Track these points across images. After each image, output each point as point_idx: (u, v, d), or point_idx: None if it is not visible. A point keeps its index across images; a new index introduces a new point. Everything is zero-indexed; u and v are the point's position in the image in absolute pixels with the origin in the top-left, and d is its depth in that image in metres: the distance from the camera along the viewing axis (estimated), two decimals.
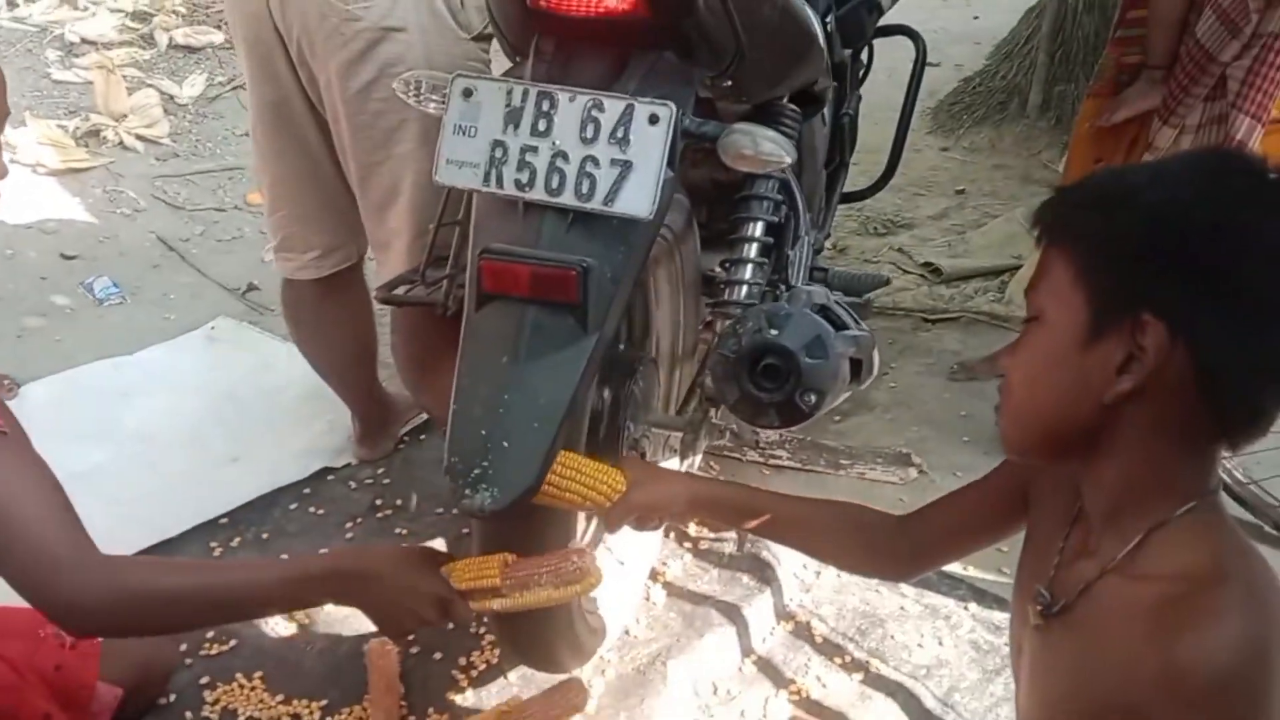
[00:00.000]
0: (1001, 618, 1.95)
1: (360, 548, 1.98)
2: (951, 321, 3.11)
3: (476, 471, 1.14)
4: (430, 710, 1.69)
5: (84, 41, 4.55)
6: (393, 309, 1.90)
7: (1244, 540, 0.93)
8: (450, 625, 1.40)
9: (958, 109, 4.73)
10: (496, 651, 1.78)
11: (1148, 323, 0.86)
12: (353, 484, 2.26)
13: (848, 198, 2.47)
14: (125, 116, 3.95)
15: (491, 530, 1.30)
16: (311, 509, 2.17)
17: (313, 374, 2.51)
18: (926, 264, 3.46)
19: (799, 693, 1.78)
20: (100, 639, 1.57)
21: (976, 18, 6.09)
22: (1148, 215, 0.88)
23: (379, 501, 2.21)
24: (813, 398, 1.26)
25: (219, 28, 4.73)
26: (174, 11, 4.88)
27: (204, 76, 4.47)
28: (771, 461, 2.42)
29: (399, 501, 2.21)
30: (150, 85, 4.28)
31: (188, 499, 2.13)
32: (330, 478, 2.28)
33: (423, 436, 2.43)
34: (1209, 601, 0.84)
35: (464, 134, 1.17)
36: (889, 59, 2.59)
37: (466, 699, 1.71)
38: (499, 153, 1.16)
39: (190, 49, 4.68)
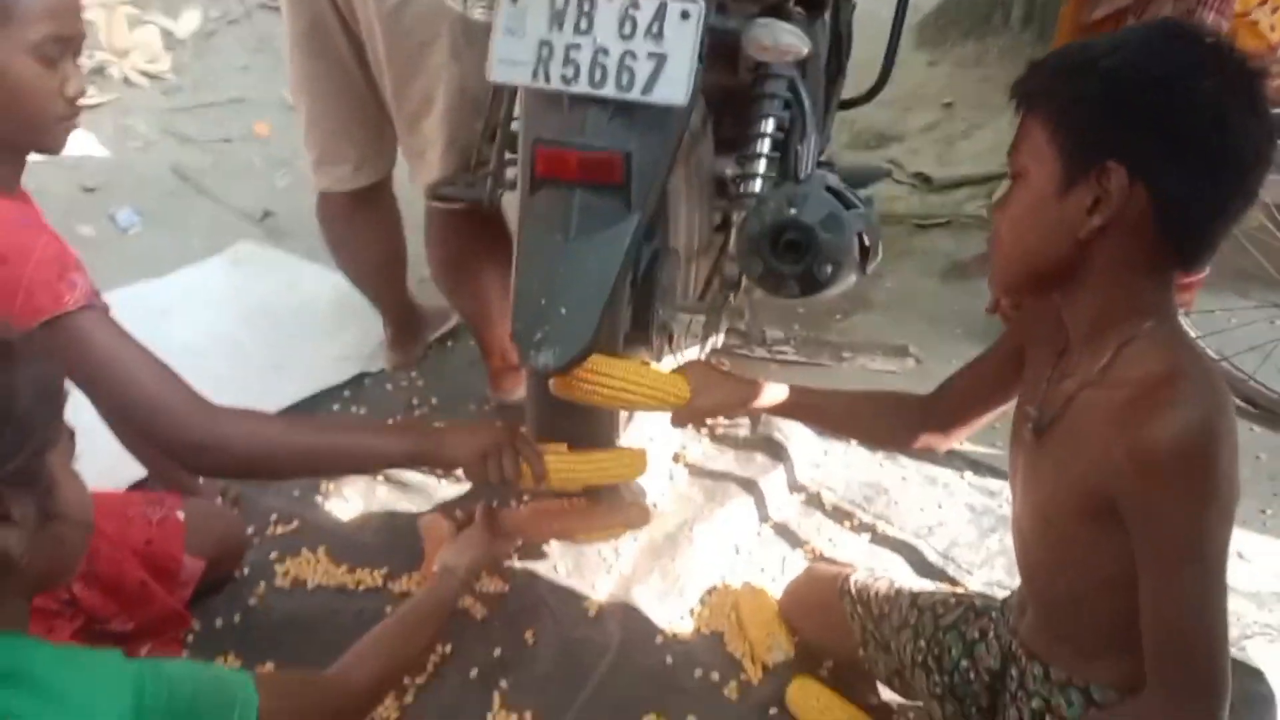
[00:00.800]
0: (996, 484, 2.15)
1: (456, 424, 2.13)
2: (942, 226, 3.27)
3: (539, 335, 1.30)
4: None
5: None
6: (427, 216, 2.04)
7: (1199, 350, 1.11)
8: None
9: (944, 23, 4.82)
10: None
11: (1110, 169, 1.03)
12: (389, 386, 2.42)
13: (844, 105, 2.60)
14: (128, 53, 4.02)
15: (546, 409, 1.46)
16: (354, 409, 2.33)
17: (338, 290, 2.67)
18: (917, 173, 3.61)
19: (812, 551, 1.97)
20: (182, 519, 1.74)
21: None
22: (1107, 78, 1.04)
23: (415, 401, 2.37)
24: (829, 269, 1.42)
25: None
26: None
27: (199, 11, 4.52)
28: (779, 357, 2.58)
29: (434, 401, 2.37)
30: (148, 21, 4.33)
31: (238, 403, 2.27)
32: (367, 381, 2.44)
33: (450, 343, 2.59)
34: (1168, 394, 1.02)
35: (513, 35, 1.31)
36: None
37: (515, 566, 1.89)
38: (545, 51, 1.30)
39: None
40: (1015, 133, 1.14)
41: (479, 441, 1.47)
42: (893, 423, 1.55)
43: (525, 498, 1.98)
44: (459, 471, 1.56)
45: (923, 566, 1.94)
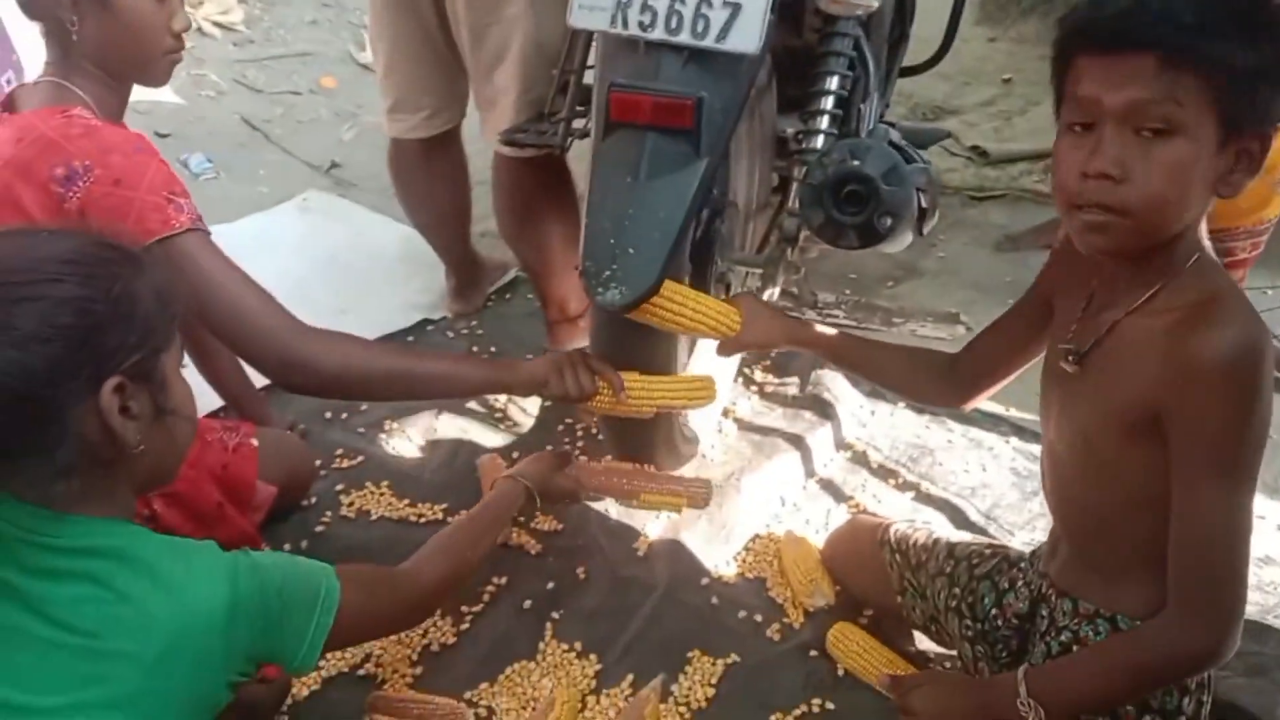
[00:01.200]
0: (1039, 449, 2.17)
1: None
2: (997, 199, 3.28)
3: (607, 274, 1.35)
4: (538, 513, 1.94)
5: None
6: (495, 165, 2.10)
7: (1228, 277, 1.14)
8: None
9: (1005, 0, 4.78)
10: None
11: (1266, 136, 1.03)
12: (450, 333, 2.50)
13: (906, 71, 2.61)
14: (202, 3, 4.12)
15: (613, 328, 1.51)
16: None
17: (403, 239, 2.75)
18: (974, 147, 3.60)
19: (857, 506, 2.02)
20: (256, 446, 1.82)
21: None
22: None
23: (474, 348, 2.44)
24: (889, 221, 1.46)
25: None
26: None
27: None
28: (829, 320, 2.61)
29: (492, 349, 2.44)
30: None
31: None
32: (430, 328, 2.52)
33: (508, 296, 2.66)
34: (1214, 312, 1.06)
35: None
36: None
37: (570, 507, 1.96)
38: None
39: None
40: (1156, 85, 1.01)
41: (554, 359, 1.53)
42: (927, 377, 1.58)
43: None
44: (525, 408, 1.62)
45: (964, 525, 1.98)
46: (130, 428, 1.00)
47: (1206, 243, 1.16)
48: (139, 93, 1.63)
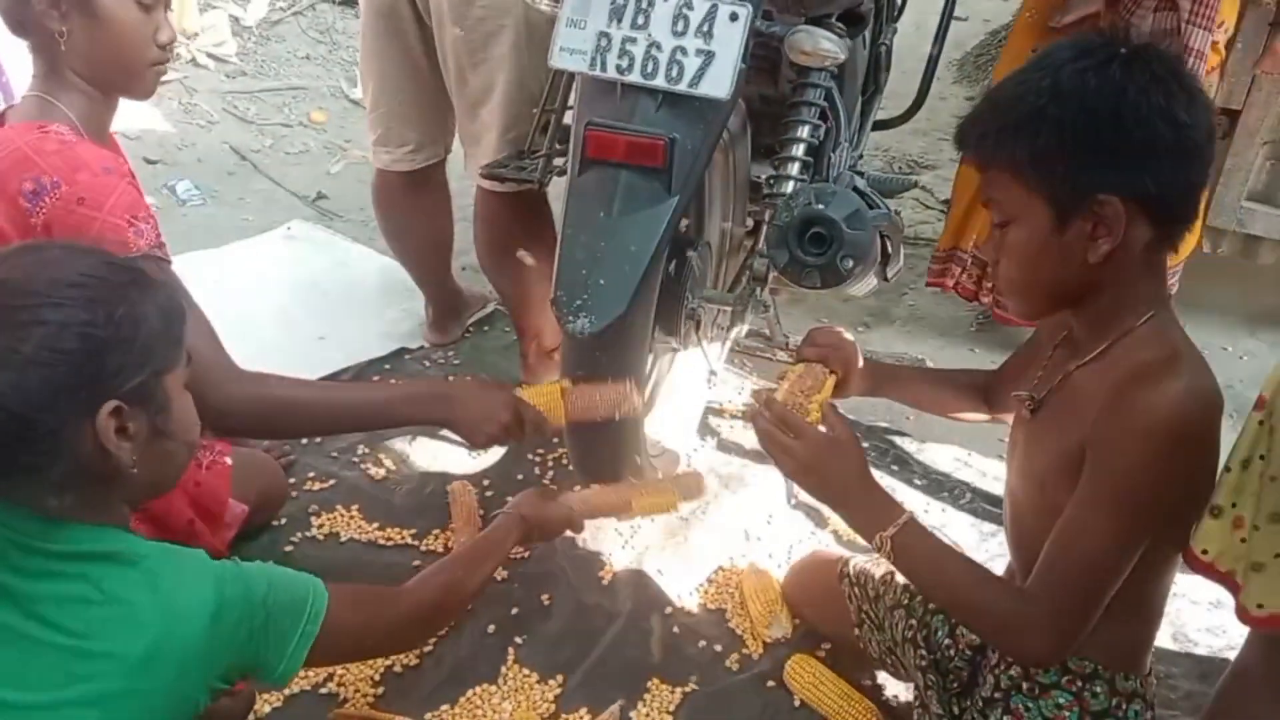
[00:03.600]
0: (999, 491, 2.23)
1: (451, 380, 2.23)
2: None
3: (578, 303, 1.41)
4: None
5: None
6: (477, 199, 2.16)
7: (1188, 339, 1.21)
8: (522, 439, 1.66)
9: (983, 60, 4.92)
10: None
11: (1104, 202, 1.13)
12: (427, 363, 2.54)
13: (879, 125, 2.70)
14: (196, 35, 4.19)
15: (582, 355, 1.56)
16: (393, 381, 2.45)
17: (384, 270, 2.80)
18: (946, 201, 3.70)
19: (819, 541, 2.06)
20: (230, 464, 1.85)
21: None
22: (1062, 127, 1.12)
23: (450, 379, 2.48)
24: (850, 262, 1.52)
25: None
26: None
27: (266, 1, 4.69)
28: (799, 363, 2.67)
29: (468, 379, 2.48)
30: (217, 7, 4.51)
31: (285, 369, 2.37)
32: (407, 357, 2.55)
33: (486, 328, 2.70)
34: (1163, 368, 1.14)
35: (575, 26, 1.42)
36: (918, 13, 2.80)
37: None
38: (604, 42, 1.42)
39: None
40: (983, 183, 1.24)
41: (486, 418, 1.56)
42: (968, 394, 1.62)
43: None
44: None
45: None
46: (125, 448, 1.02)
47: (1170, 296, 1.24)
48: (130, 120, 1.67)
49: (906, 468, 2.31)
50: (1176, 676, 1.76)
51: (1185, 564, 1.24)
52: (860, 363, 1.56)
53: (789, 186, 1.73)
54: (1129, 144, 1.12)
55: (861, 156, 2.74)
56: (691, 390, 2.13)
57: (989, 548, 2.06)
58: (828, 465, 1.29)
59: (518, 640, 1.76)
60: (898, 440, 2.39)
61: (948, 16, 2.62)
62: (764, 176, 1.93)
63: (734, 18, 1.38)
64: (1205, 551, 1.18)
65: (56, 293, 0.99)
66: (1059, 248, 1.16)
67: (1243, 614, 1.17)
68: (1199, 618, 1.89)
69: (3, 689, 0.97)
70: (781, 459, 1.31)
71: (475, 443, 1.62)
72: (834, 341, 1.54)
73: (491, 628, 1.78)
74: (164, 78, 1.67)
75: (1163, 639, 1.83)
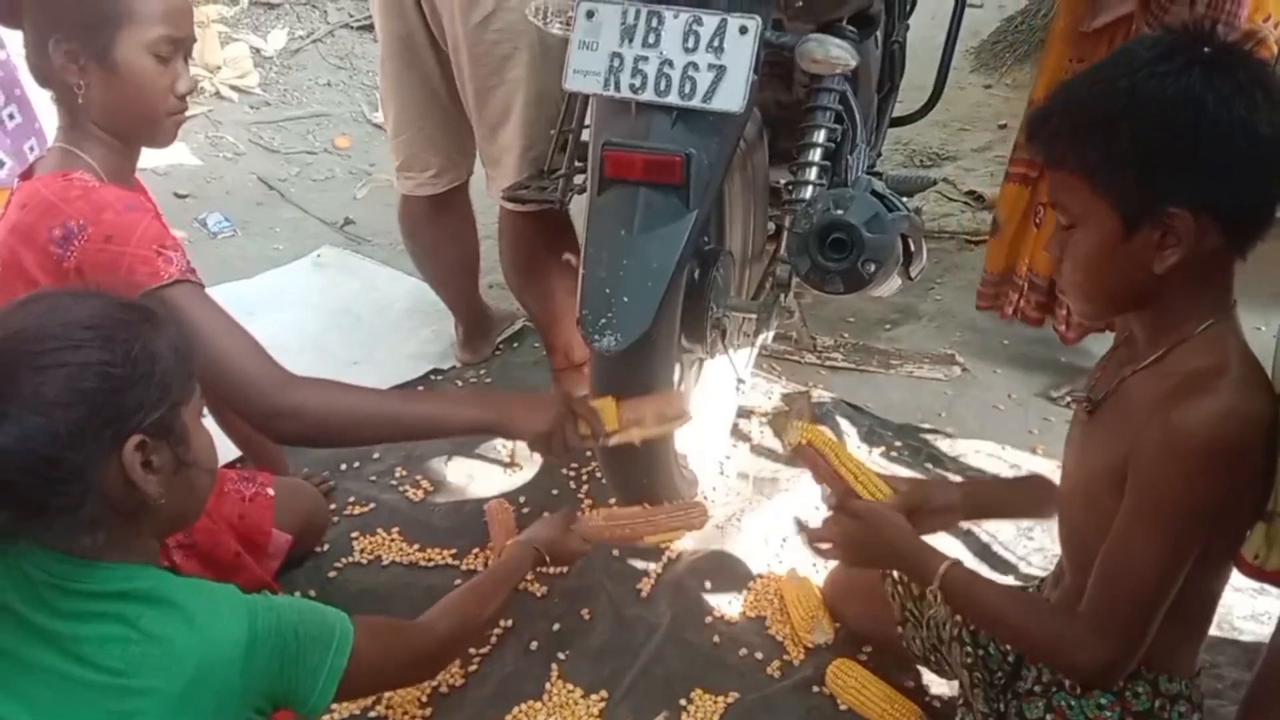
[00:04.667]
0: None
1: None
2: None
3: (603, 321, 1.42)
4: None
5: None
6: (500, 220, 2.19)
7: (1246, 349, 1.18)
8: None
9: (1000, 48, 4.90)
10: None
11: (1173, 214, 1.09)
12: (459, 383, 2.57)
13: (897, 121, 2.70)
14: (219, 68, 4.26)
15: (610, 370, 1.58)
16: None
17: (414, 293, 2.84)
18: (969, 192, 3.69)
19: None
20: (272, 495, 1.88)
21: None
22: (1137, 136, 1.09)
23: None
24: (872, 267, 1.53)
25: None
26: None
27: (285, 31, 4.76)
28: (828, 363, 2.68)
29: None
30: (238, 39, 4.58)
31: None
32: (439, 378, 2.58)
33: (515, 345, 2.73)
34: (1207, 385, 1.12)
35: (587, 48, 1.44)
36: (932, 2, 2.79)
37: None
38: (616, 62, 1.43)
39: (270, 5, 4.97)
40: (1051, 182, 1.21)
41: (542, 420, 1.56)
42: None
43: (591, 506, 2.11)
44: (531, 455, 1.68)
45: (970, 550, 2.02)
46: (152, 481, 1.05)
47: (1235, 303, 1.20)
48: (159, 156, 1.70)
49: (940, 464, 2.30)
50: (1222, 665, 1.74)
51: (1236, 568, 1.23)
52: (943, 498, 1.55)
53: (807, 192, 1.73)
54: (1205, 158, 1.08)
55: (880, 155, 2.75)
56: (721, 398, 2.14)
57: (1025, 545, 2.05)
58: (865, 551, 1.43)
59: (560, 656, 1.78)
60: (931, 438, 2.38)
61: (960, 9, 2.61)
62: (783, 182, 1.94)
63: (743, 31, 1.39)
64: (1256, 556, 1.18)
65: (74, 335, 1.02)
66: (1124, 254, 1.14)
67: None
68: (1244, 604, 1.87)
69: None
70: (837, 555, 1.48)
71: (529, 444, 1.60)
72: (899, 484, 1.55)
73: (534, 644, 1.80)
74: (189, 113, 1.70)
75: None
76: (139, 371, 1.04)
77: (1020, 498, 1.63)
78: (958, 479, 2.23)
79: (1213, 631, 1.80)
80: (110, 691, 1.00)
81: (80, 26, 1.46)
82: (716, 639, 1.82)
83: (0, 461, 0.98)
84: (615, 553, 1.98)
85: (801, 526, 1.47)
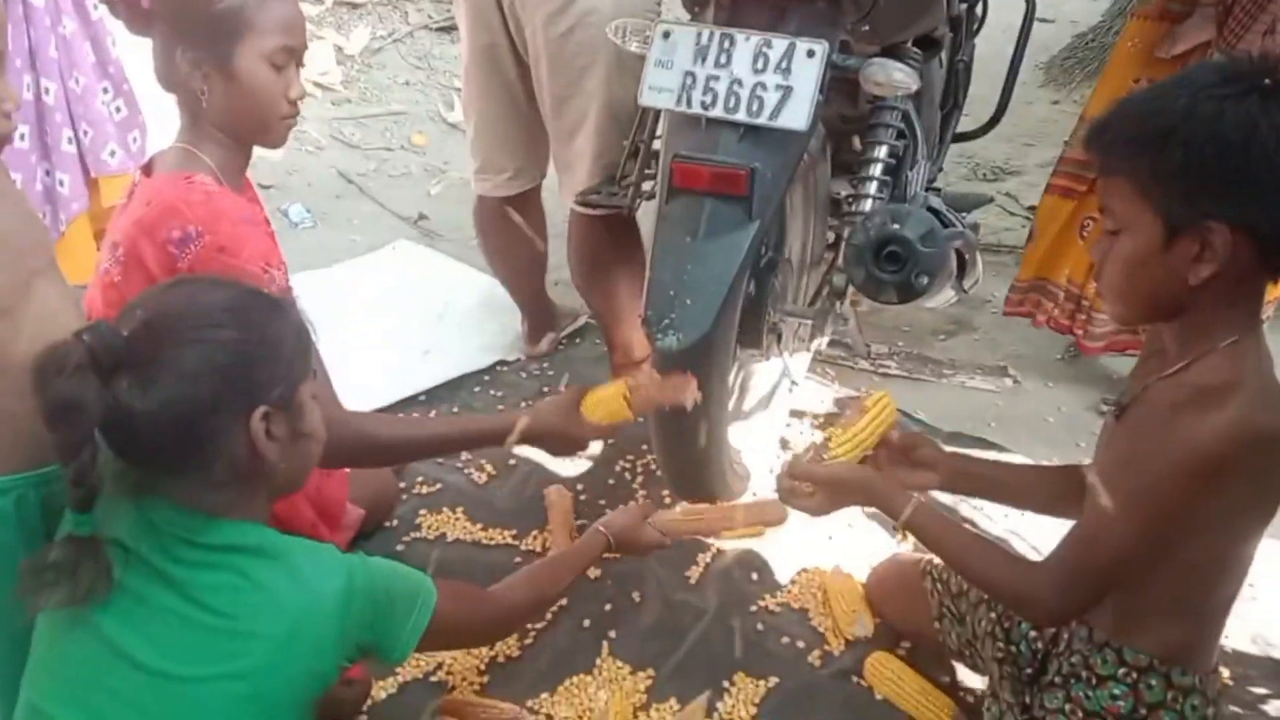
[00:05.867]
0: None
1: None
2: (1029, 241, 3.36)
3: (666, 321, 1.53)
4: None
5: None
6: (570, 222, 2.31)
7: (1266, 367, 1.24)
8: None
9: (1070, 64, 4.90)
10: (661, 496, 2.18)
11: (1212, 228, 1.16)
12: (524, 374, 2.69)
13: (960, 137, 2.76)
14: (304, 66, 4.43)
15: (671, 369, 1.67)
16: (492, 392, 2.61)
17: (483, 287, 2.96)
18: (1031, 207, 3.70)
19: (900, 541, 2.13)
20: (347, 471, 2.00)
21: None
22: (1189, 149, 1.15)
23: (545, 389, 2.62)
24: (925, 279, 1.60)
25: None
26: None
27: (367, 30, 4.93)
28: (881, 370, 2.75)
29: (562, 388, 2.62)
30: (321, 37, 4.76)
31: (394, 381, 2.58)
32: (504, 369, 2.71)
33: (578, 340, 2.84)
34: (1216, 399, 1.19)
35: (663, 66, 1.55)
36: (1007, 16, 2.83)
37: None
38: (689, 80, 1.53)
39: (353, 5, 5.14)
40: (1102, 188, 1.28)
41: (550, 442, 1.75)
42: (1063, 493, 1.59)
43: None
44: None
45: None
46: (273, 448, 1.17)
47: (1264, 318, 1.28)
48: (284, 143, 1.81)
49: None
50: (1255, 679, 1.79)
51: None
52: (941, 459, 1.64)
53: (866, 205, 1.81)
54: (1250, 177, 1.14)
55: (942, 170, 2.81)
56: (775, 400, 2.23)
57: None
58: (841, 496, 1.53)
59: (611, 634, 1.88)
60: (979, 448, 2.44)
61: (1027, 29, 2.65)
62: (844, 193, 2.02)
63: (810, 54, 1.48)
64: None
65: (214, 316, 1.15)
66: (1162, 263, 1.20)
67: None
68: None
69: (168, 662, 1.12)
70: (801, 506, 1.56)
71: (562, 454, 1.77)
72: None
73: (587, 622, 1.90)
74: None
75: (1242, 642, 1.87)
76: (267, 351, 1.17)
77: (1014, 484, 1.69)
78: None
79: (1247, 647, 1.86)
80: (222, 633, 1.12)
81: (205, 37, 1.55)
82: (760, 626, 1.91)
83: (146, 423, 1.10)
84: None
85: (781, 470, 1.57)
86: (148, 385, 1.10)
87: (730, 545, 2.09)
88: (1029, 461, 2.36)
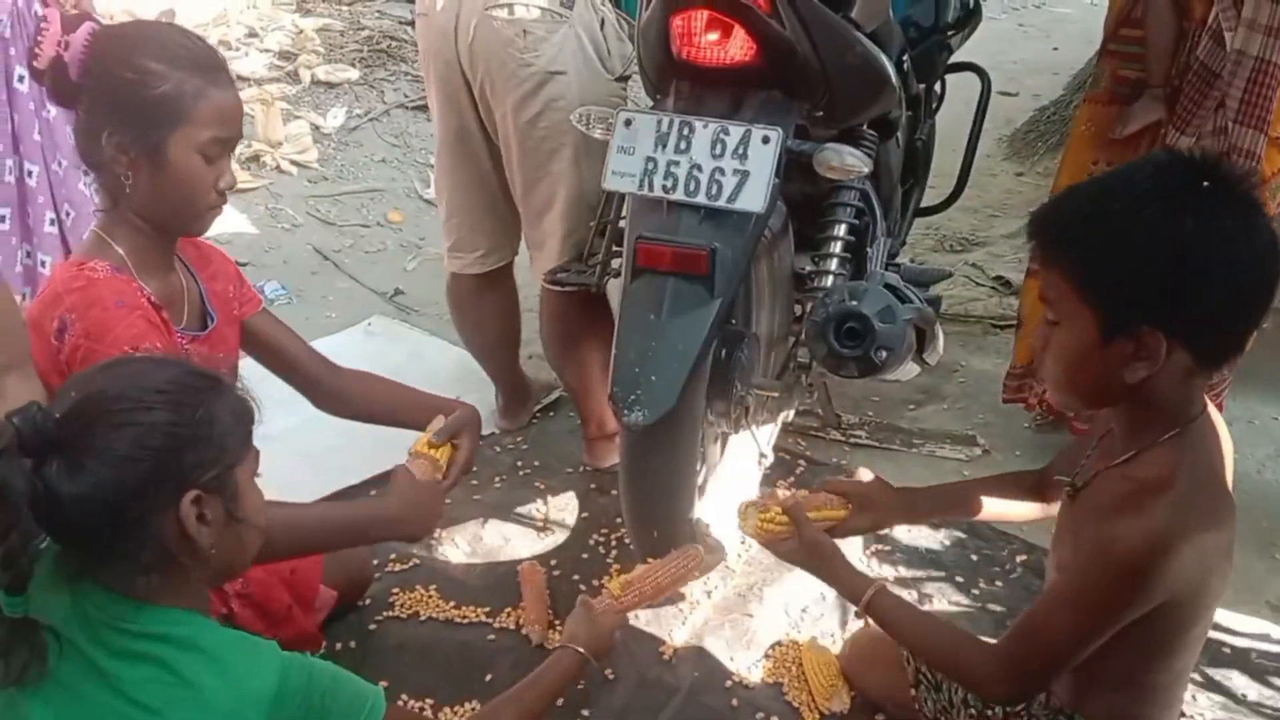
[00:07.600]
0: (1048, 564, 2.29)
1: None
2: (1018, 328, 3.43)
3: (632, 398, 1.56)
4: None
5: (239, 78, 5.15)
6: (542, 298, 2.35)
7: (1202, 463, 1.27)
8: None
9: (1032, 137, 5.03)
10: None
11: (1148, 333, 1.18)
12: (498, 448, 2.70)
13: (923, 212, 2.84)
14: (280, 144, 4.52)
15: (638, 443, 1.70)
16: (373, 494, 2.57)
17: (458, 361, 2.99)
18: (997, 277, 3.79)
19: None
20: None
21: (1056, 49, 6.34)
22: (1124, 259, 1.17)
23: (519, 463, 2.63)
24: (884, 354, 1.65)
25: (354, 65, 5.32)
26: (314, 52, 5.48)
27: (344, 109, 5.02)
28: (852, 440, 2.78)
29: (536, 463, 2.63)
30: (299, 116, 4.85)
31: (363, 454, 2.56)
32: (479, 443, 2.71)
33: (552, 413, 2.86)
34: (1145, 501, 1.22)
35: (625, 152, 1.60)
36: (968, 91, 2.93)
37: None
38: (650, 165, 1.59)
39: (330, 84, 5.25)
40: (1042, 279, 1.30)
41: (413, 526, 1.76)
42: (1019, 494, 1.68)
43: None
44: (564, 520, 1.80)
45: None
46: (205, 533, 1.15)
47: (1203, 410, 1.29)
48: (221, 226, 1.72)
49: (959, 541, 2.38)
50: None
51: None
52: (889, 497, 1.69)
53: (827, 281, 1.86)
54: (1184, 291, 1.15)
55: (905, 244, 2.88)
56: (744, 472, 2.25)
57: None
58: (809, 558, 1.58)
59: (584, 713, 1.87)
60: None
61: (983, 107, 2.76)
62: (806, 269, 2.08)
63: (766, 140, 1.54)
64: None
65: (146, 398, 1.13)
66: (1100, 359, 1.22)
67: None
68: None
69: None
70: (770, 543, 1.62)
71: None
72: (849, 487, 1.70)
73: (560, 701, 1.89)
74: (252, 185, 1.80)
75: None
76: (200, 433, 1.14)
77: (957, 499, 1.75)
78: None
79: None
80: None
81: (137, 123, 1.48)
82: (735, 702, 1.90)
83: (74, 507, 1.09)
84: (640, 618, 2.07)
85: (746, 506, 1.64)
86: (76, 468, 1.08)
87: (703, 619, 2.09)
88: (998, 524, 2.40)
